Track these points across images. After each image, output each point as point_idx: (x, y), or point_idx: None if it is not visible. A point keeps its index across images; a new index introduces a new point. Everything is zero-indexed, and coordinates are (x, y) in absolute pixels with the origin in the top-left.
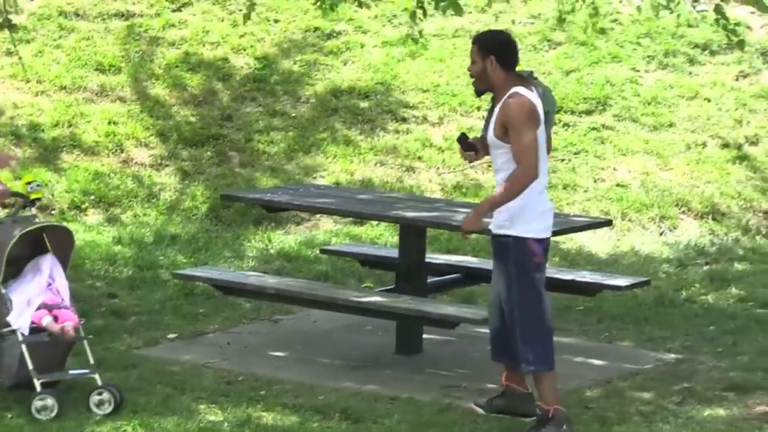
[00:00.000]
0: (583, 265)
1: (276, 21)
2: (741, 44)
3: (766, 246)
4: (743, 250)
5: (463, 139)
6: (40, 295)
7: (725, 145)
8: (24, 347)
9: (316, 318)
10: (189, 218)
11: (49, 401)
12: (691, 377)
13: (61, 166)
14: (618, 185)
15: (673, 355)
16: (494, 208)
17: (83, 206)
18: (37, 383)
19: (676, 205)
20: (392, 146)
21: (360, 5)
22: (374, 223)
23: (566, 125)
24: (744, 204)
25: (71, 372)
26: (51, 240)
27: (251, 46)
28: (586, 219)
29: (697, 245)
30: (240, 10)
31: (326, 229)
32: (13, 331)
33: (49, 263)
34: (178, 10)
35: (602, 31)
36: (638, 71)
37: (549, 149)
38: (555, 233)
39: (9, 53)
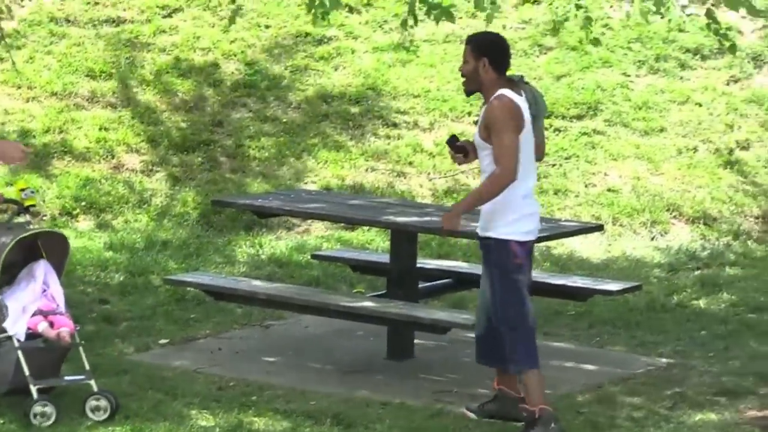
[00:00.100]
0: (575, 270)
1: (267, 26)
2: (732, 49)
3: (758, 251)
4: (734, 255)
5: (452, 141)
6: (35, 302)
7: (716, 150)
8: (20, 353)
9: (308, 323)
10: (180, 224)
11: (49, 408)
12: (682, 382)
13: (52, 172)
14: (609, 190)
15: (664, 360)
16: (471, 208)
17: (74, 212)
18: (34, 389)
19: (667, 210)
20: (383, 151)
21: (351, 11)
22: (365, 228)
23: (557, 130)
24: (735, 209)
25: (67, 378)
26: (45, 246)
27: (242, 51)
28: (577, 224)
29: (689, 250)
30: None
31: (317, 234)
32: (9, 338)
33: (42, 270)
34: (169, 16)
35: (596, 41)
36: (629, 76)
37: (541, 153)
38: (546, 238)
39: (0, 59)
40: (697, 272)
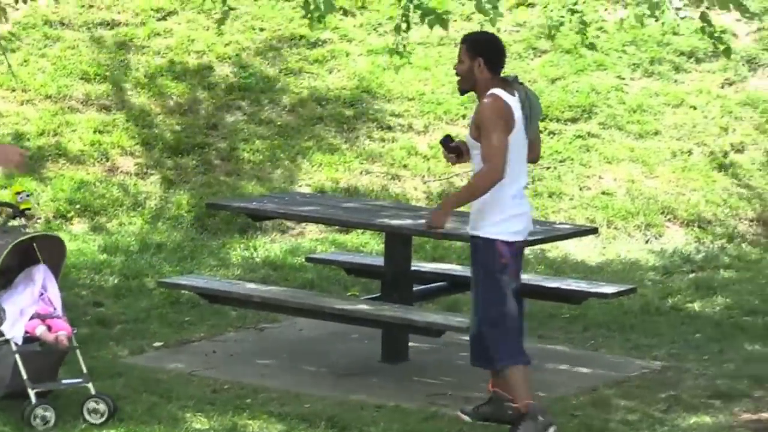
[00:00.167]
0: (569, 272)
1: (261, 29)
2: (727, 52)
3: (752, 254)
4: (729, 258)
5: (447, 141)
6: (32, 306)
7: (711, 153)
8: (18, 357)
9: (302, 326)
10: (174, 227)
11: (49, 412)
12: (676, 385)
13: (47, 175)
14: (603, 193)
15: (658, 363)
16: (457, 205)
17: (69, 215)
18: (32, 393)
19: (662, 213)
20: (377, 154)
21: (345, 14)
22: (360, 231)
23: (552, 133)
24: (730, 212)
25: (64, 381)
26: (42, 250)
27: (236, 54)
28: (571, 227)
29: (683, 253)
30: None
31: (311, 237)
32: (7, 341)
33: (41, 274)
34: (163, 19)
35: (592, 46)
36: (624, 79)
37: (536, 155)
38: (541, 241)
39: None
40: (691, 275)
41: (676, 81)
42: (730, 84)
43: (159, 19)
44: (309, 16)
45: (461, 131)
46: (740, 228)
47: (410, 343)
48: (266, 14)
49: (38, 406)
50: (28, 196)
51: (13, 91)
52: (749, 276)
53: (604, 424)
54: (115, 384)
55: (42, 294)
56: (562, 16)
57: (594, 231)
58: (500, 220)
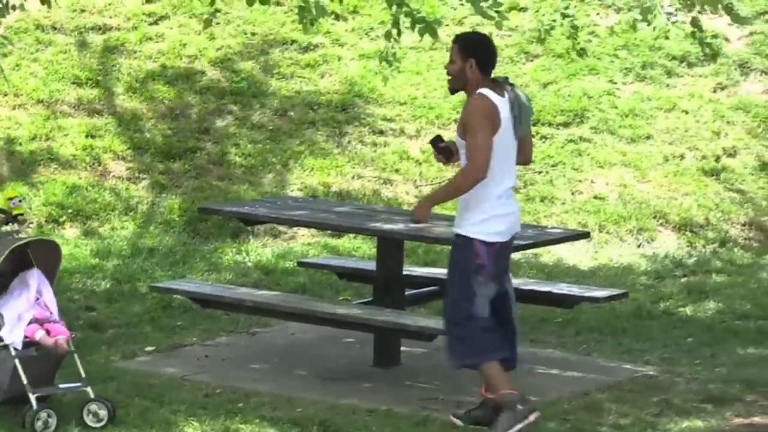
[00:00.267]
0: (561, 277)
1: (253, 34)
2: (714, 57)
3: (744, 258)
4: (721, 262)
5: (436, 141)
6: (29, 310)
7: (703, 158)
8: (18, 362)
9: (294, 331)
10: (166, 231)
11: (52, 418)
12: (669, 389)
13: (38, 180)
14: (595, 197)
15: (651, 367)
16: (438, 202)
17: (60, 220)
18: (33, 398)
19: (654, 217)
20: (369, 159)
21: (337, 18)
22: (352, 235)
23: (544, 137)
24: (722, 216)
25: (63, 386)
26: (36, 254)
27: (228, 58)
28: (563, 231)
29: (675, 257)
30: (217, 23)
31: (303, 241)
32: (5, 346)
33: (36, 278)
34: (155, 23)
35: (582, 52)
36: (615, 83)
37: (527, 157)
38: (532, 245)
39: None
40: (683, 279)
41: (668, 85)
42: (722, 88)
43: (150, 24)
44: (303, 21)
45: (453, 135)
46: (732, 232)
47: (402, 348)
48: (258, 18)
49: (41, 410)
50: (20, 201)
51: (5, 95)
52: (741, 280)
53: (596, 428)
54: (107, 388)
55: (38, 298)
56: (554, 20)
57: (586, 235)
58: (481, 219)
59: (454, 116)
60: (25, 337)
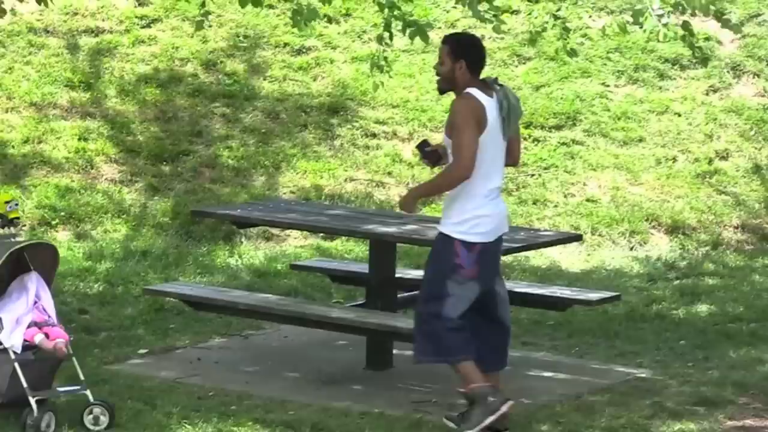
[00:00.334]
0: (554, 279)
1: (245, 36)
2: (704, 61)
3: (736, 261)
4: (713, 265)
5: (423, 146)
6: (28, 314)
7: (695, 160)
8: (17, 366)
9: (287, 333)
10: (158, 234)
11: (52, 420)
12: (661, 392)
13: (31, 183)
14: (588, 200)
15: (643, 370)
16: (425, 196)
17: (53, 222)
18: (33, 401)
19: (646, 220)
20: (362, 161)
21: (330, 21)
22: (344, 238)
23: (536, 140)
24: (714, 219)
25: (62, 389)
26: (33, 258)
27: (220, 61)
28: (556, 234)
29: (668, 260)
30: (209, 26)
31: (296, 244)
32: (5, 350)
33: (34, 282)
34: (148, 26)
35: (573, 52)
36: (608, 86)
37: (516, 158)
38: (525, 248)
39: None
40: (675, 282)
41: (660, 88)
42: (715, 91)
43: (143, 27)
44: (296, 24)
45: (442, 137)
46: (725, 235)
47: (395, 350)
48: (250, 21)
49: (46, 411)
50: (16, 205)
51: None
52: (733, 283)
53: (589, 431)
54: (100, 391)
55: (36, 302)
56: (546, 22)
57: (578, 238)
58: (463, 219)
59: (446, 119)
60: (25, 340)
